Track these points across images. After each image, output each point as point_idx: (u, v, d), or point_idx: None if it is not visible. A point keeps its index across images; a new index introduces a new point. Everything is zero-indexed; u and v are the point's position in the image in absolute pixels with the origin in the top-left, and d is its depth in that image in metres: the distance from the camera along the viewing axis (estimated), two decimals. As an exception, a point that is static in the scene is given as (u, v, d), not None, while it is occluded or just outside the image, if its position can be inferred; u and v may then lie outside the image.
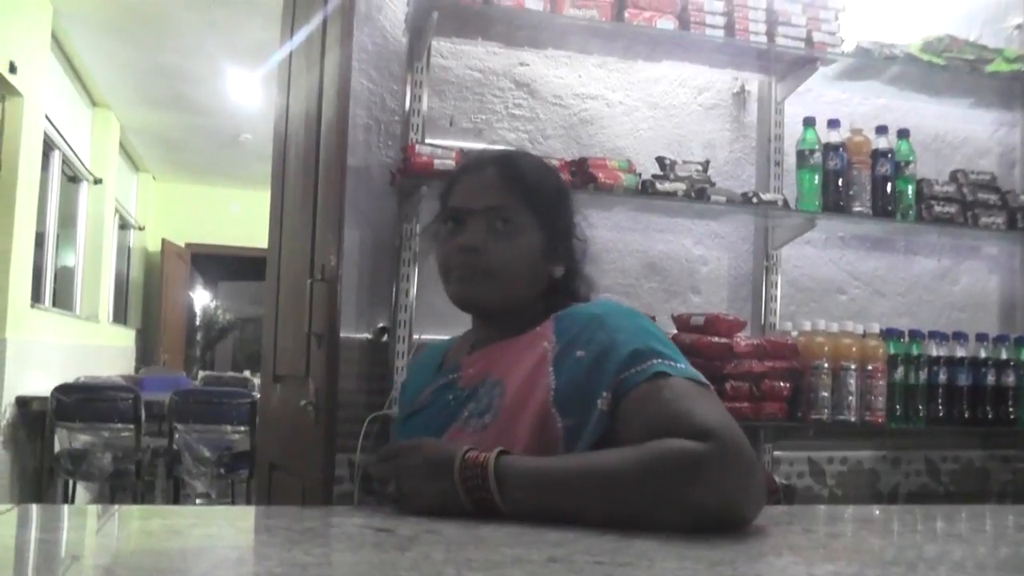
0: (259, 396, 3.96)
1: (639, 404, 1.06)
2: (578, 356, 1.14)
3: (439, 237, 1.30)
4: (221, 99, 6.78)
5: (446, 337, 1.47)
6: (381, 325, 2.54)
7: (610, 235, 2.69)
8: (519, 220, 1.25)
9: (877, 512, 1.58)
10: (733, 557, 0.81)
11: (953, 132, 3.13)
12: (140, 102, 7.11)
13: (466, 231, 1.25)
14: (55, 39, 5.62)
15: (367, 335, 2.54)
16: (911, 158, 2.79)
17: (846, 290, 2.98)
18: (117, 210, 8.08)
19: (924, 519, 1.28)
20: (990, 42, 3.01)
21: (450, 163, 2.29)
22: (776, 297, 2.84)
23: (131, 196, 9.03)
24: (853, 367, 2.57)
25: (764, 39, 2.60)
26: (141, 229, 9.35)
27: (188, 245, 10.10)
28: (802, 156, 2.68)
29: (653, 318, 2.25)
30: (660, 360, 1.09)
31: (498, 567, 0.74)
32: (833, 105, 2.91)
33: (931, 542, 1.06)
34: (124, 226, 8.80)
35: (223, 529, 0.98)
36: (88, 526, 1.05)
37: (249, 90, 6.50)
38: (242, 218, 8.87)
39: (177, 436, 4.80)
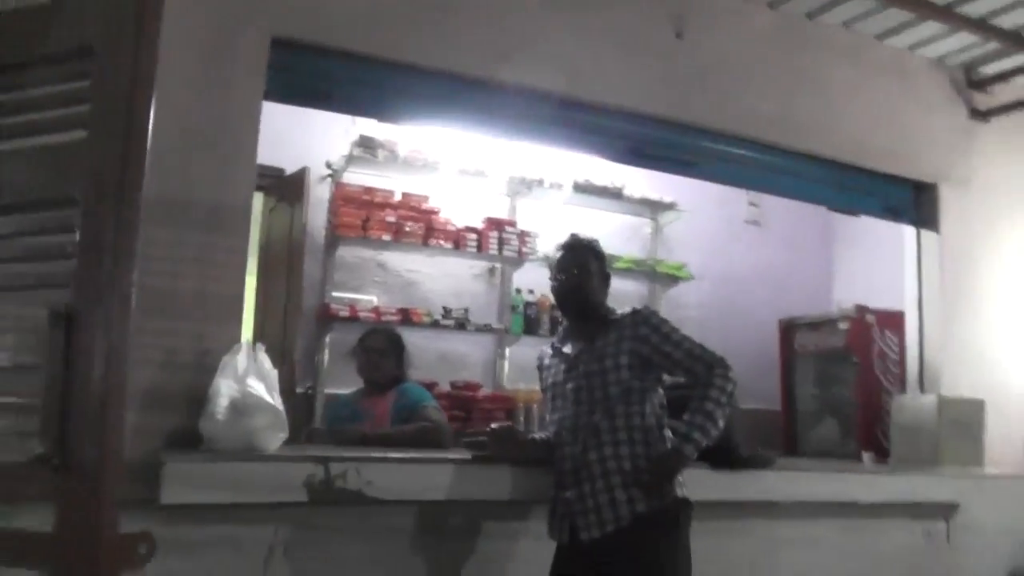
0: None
1: (418, 415, 3.82)
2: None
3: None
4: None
5: (345, 391, 4.21)
6: (309, 384, 5.21)
7: (422, 343, 5.44)
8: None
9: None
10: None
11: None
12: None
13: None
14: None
15: (301, 389, 5.20)
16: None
17: (545, 370, 5.84)
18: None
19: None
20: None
21: (345, 312, 5.02)
22: (504, 371, 5.69)
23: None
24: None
25: (496, 251, 5.46)
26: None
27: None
28: (514, 308, 5.56)
29: (436, 383, 5.07)
30: (428, 401, 3.90)
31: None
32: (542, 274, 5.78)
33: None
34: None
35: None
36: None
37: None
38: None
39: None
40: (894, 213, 5.27)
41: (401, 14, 3.84)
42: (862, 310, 5.80)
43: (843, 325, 6.02)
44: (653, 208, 6.05)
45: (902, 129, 5.15)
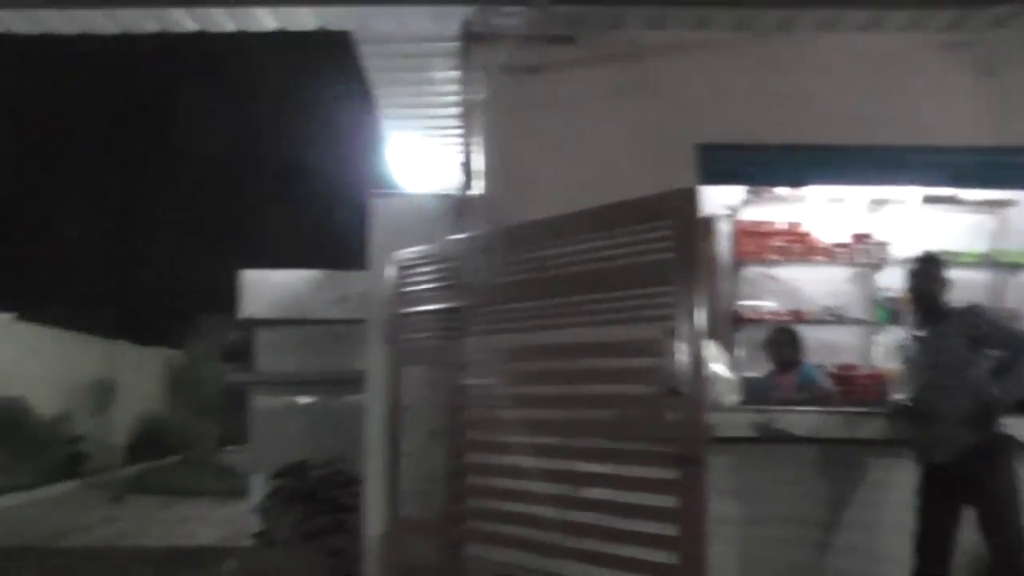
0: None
1: (816, 386, 5.66)
2: None
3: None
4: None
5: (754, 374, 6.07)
6: (726, 370, 7.11)
7: (810, 334, 7.09)
8: None
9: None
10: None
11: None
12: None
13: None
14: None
15: (721, 374, 7.12)
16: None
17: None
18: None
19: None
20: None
21: (752, 316, 6.87)
22: (874, 353, 7.19)
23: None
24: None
25: (861, 259, 7.02)
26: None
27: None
28: (878, 304, 7.06)
29: (823, 365, 6.76)
30: (819, 377, 5.80)
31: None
32: (899, 274, 7.20)
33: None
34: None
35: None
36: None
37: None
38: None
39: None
40: None
41: (766, 113, 5.71)
42: None
43: None
44: (992, 206, 7.19)
45: None
